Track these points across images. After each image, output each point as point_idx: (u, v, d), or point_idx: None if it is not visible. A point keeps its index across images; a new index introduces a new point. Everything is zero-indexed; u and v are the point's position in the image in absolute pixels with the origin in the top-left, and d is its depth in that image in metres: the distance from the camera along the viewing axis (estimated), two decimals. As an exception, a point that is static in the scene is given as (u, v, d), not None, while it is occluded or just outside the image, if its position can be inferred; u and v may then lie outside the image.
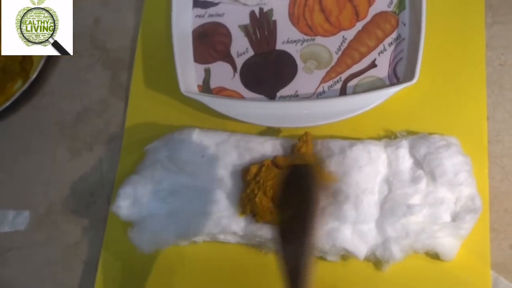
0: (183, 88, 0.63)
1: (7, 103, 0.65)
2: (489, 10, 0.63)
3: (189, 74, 0.66)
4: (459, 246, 0.56)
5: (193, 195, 0.59)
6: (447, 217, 0.56)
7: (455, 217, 0.56)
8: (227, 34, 0.67)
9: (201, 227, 0.58)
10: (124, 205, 0.59)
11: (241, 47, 0.66)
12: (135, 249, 0.60)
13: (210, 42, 0.67)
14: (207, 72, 0.66)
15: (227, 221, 0.58)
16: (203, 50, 0.67)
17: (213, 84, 0.66)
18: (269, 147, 0.60)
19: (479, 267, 0.57)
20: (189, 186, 0.60)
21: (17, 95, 0.65)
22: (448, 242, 0.55)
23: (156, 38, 0.68)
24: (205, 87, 0.66)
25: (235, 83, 0.66)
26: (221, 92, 0.66)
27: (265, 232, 0.57)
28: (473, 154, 0.58)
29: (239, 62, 0.66)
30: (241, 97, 0.65)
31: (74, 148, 0.67)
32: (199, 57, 0.67)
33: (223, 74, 0.66)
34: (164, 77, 0.66)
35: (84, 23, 0.70)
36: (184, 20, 0.67)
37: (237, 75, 0.66)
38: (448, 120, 0.61)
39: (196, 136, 0.61)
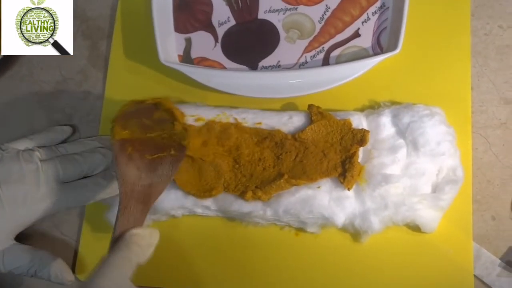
0: (163, 57, 0.62)
1: (-16, 73, 0.64)
2: (474, -21, 0.62)
3: (169, 44, 0.64)
4: (440, 217, 0.56)
5: None
6: (427, 189, 0.55)
7: (435, 189, 0.55)
8: (208, 3, 0.65)
9: (171, 201, 0.58)
10: None
11: (223, 16, 0.65)
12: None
13: (191, 11, 0.66)
14: (188, 41, 0.65)
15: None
16: (183, 19, 0.66)
17: (194, 54, 0.65)
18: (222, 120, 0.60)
19: (461, 238, 0.56)
20: None
21: (-6, 65, 0.64)
22: (428, 214, 0.55)
23: (136, 7, 0.67)
24: (186, 57, 0.65)
25: (217, 53, 0.64)
26: (202, 62, 0.64)
27: (238, 206, 0.57)
28: (457, 124, 0.58)
29: (221, 32, 0.65)
30: (222, 67, 0.64)
31: (52, 118, 0.66)
32: (179, 27, 0.66)
33: (204, 44, 0.65)
34: (144, 47, 0.65)
35: (63, -9, 0.68)
36: (164, -12, 0.65)
37: (219, 45, 0.64)
38: (432, 90, 0.60)
39: None
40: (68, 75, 0.67)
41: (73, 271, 0.61)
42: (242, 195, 0.57)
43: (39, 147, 0.58)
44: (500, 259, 0.56)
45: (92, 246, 0.62)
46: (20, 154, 0.56)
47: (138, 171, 0.53)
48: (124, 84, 0.65)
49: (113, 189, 0.58)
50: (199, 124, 0.59)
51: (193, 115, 0.60)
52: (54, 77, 0.67)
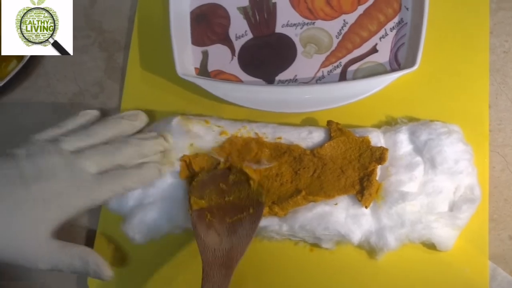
0: (180, 70, 0.62)
1: (1, 84, 0.64)
2: (494, -4, 0.61)
3: (186, 57, 0.64)
4: (456, 236, 0.55)
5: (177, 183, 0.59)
6: (444, 207, 0.55)
7: (452, 207, 0.55)
8: (226, 16, 0.65)
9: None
10: None
11: (240, 29, 0.65)
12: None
13: (208, 24, 0.66)
14: (205, 54, 0.65)
15: None
16: (201, 32, 0.66)
17: (211, 67, 0.65)
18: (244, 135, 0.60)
19: (477, 257, 0.56)
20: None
21: (11, 75, 0.64)
22: (445, 233, 0.54)
23: (153, 19, 0.67)
24: (203, 70, 0.65)
25: (233, 67, 0.64)
26: (218, 75, 0.64)
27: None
28: (474, 142, 0.57)
29: (238, 45, 0.65)
30: (239, 81, 0.64)
31: (68, 130, 0.66)
32: (196, 40, 0.66)
33: (221, 57, 0.65)
34: (161, 60, 0.65)
35: (79, 3, 0.68)
36: (182, 1, 0.65)
37: (235, 58, 0.64)
38: (450, 108, 0.59)
39: (177, 124, 0.60)
40: (85, 87, 0.67)
41: (86, 284, 0.61)
42: None
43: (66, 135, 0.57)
44: (516, 278, 0.56)
45: (106, 257, 0.62)
46: (47, 146, 0.54)
47: (218, 237, 0.53)
48: (141, 96, 0.65)
49: (147, 178, 0.57)
50: (222, 137, 0.59)
51: (218, 126, 0.60)
52: (70, 89, 0.67)
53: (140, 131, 0.60)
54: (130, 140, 0.57)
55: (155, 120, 0.63)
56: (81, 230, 0.64)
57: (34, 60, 0.67)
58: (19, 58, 0.65)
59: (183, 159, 0.59)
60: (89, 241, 0.63)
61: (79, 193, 0.53)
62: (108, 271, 0.55)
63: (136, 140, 0.57)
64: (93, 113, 0.61)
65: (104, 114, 0.63)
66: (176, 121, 0.60)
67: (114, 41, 0.68)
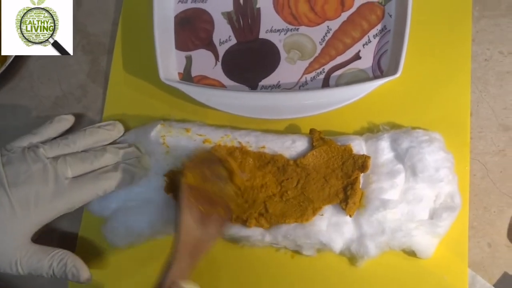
0: (163, 75, 0.62)
1: (-17, 86, 0.64)
2: (476, 4, 0.62)
3: (170, 62, 0.64)
4: (436, 244, 0.56)
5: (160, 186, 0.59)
6: (425, 215, 0.55)
7: (433, 215, 0.55)
8: (210, 21, 0.65)
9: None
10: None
11: (224, 34, 0.65)
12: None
13: (192, 29, 0.66)
14: (189, 59, 0.65)
15: None
16: (185, 37, 0.66)
17: (194, 72, 0.65)
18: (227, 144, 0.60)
19: (456, 265, 0.56)
20: (157, 175, 0.60)
21: (-7, 77, 0.64)
22: (425, 240, 0.55)
23: (137, 23, 0.67)
24: (186, 75, 0.65)
25: (217, 72, 0.64)
26: (202, 80, 0.64)
27: (237, 229, 0.57)
28: (455, 150, 0.58)
29: (221, 50, 0.65)
30: (222, 86, 0.64)
31: (51, 133, 0.66)
32: (180, 44, 0.65)
33: (205, 62, 0.65)
34: (144, 64, 0.65)
35: (64, 5, 0.68)
36: (166, 5, 0.65)
37: (219, 64, 0.64)
38: (431, 115, 0.60)
39: (157, 133, 0.60)
40: (68, 90, 0.67)
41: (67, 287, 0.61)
42: (244, 222, 0.56)
43: (44, 142, 0.58)
44: (494, 285, 0.56)
45: (86, 260, 0.62)
46: (26, 153, 0.56)
47: (194, 222, 0.51)
48: (124, 100, 0.65)
49: (122, 181, 0.57)
50: (206, 145, 0.59)
51: (201, 135, 0.60)
52: (53, 92, 0.67)
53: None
54: (107, 148, 0.59)
55: (136, 126, 0.63)
56: (62, 234, 0.63)
57: (17, 61, 0.67)
58: (2, 59, 0.65)
59: (167, 174, 0.58)
60: (71, 245, 0.63)
61: (57, 197, 0.55)
62: (86, 274, 0.55)
63: (113, 148, 0.59)
64: (68, 118, 0.62)
65: (85, 119, 0.64)
66: (154, 133, 0.60)
67: (99, 44, 0.68)
